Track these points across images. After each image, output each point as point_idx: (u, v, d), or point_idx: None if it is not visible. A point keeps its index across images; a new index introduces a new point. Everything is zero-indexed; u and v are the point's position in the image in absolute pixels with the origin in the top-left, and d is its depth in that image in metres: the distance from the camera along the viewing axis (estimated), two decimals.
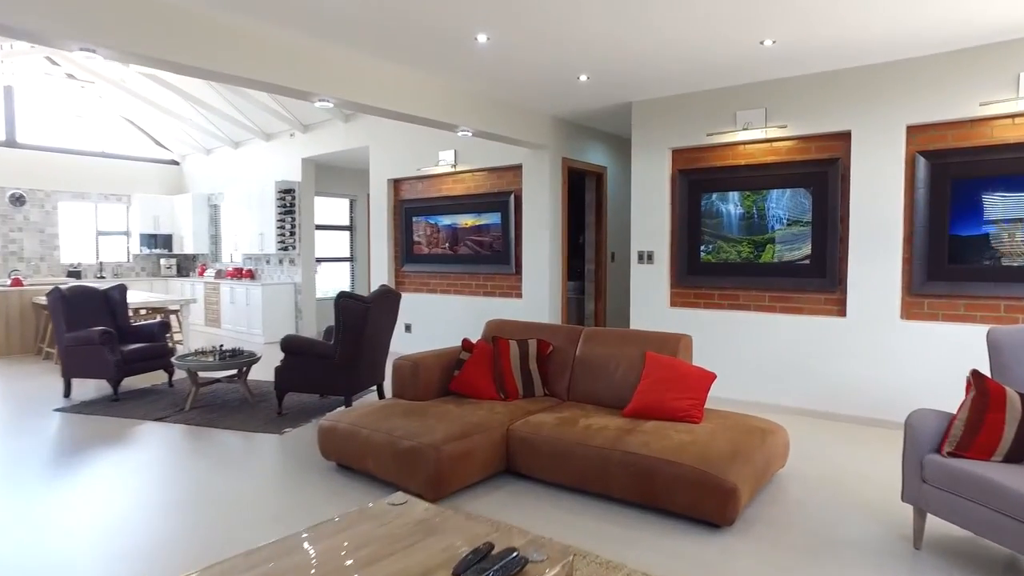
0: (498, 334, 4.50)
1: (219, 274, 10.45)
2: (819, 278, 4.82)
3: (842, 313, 4.74)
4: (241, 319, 9.32)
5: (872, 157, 4.51)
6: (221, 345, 5.57)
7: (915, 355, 4.42)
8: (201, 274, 10.82)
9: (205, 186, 11.03)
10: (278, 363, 4.97)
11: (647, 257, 5.63)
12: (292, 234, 9.09)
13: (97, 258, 10.70)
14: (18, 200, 9.83)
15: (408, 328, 7.63)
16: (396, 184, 7.87)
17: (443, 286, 7.41)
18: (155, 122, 10.57)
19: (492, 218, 6.83)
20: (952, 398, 4.29)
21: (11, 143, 9.85)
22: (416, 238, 7.62)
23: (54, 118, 10.23)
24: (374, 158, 7.91)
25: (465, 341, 4.33)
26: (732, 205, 5.18)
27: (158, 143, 11.38)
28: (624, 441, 3.16)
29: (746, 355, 5.13)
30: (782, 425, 4.17)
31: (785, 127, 4.84)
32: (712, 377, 3.56)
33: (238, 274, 9.96)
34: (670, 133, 5.43)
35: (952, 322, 4.32)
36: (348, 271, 10.85)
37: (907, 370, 4.45)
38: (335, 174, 10.14)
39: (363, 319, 4.81)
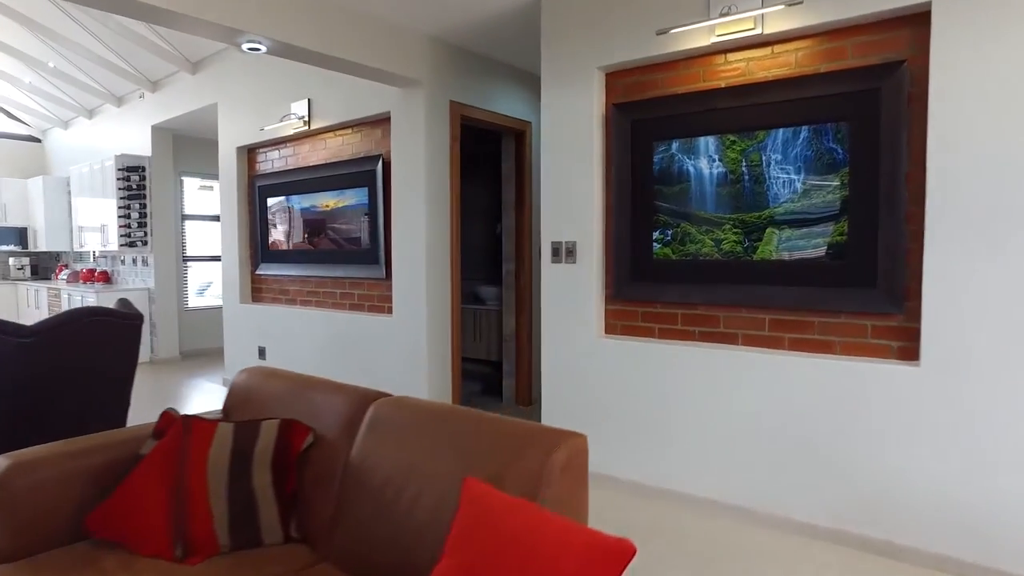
0: (237, 402, 2.31)
1: (73, 277, 8.24)
2: (864, 288, 2.60)
3: (910, 355, 2.52)
4: None
5: (973, 54, 2.30)
6: None
7: None
8: (57, 276, 8.63)
9: (64, 167, 8.83)
10: None
11: (565, 252, 3.43)
12: (141, 225, 6.88)
13: None
14: None
15: (262, 353, 5.42)
16: (249, 154, 5.66)
17: (303, 295, 5.19)
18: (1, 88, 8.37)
19: (358, 196, 4.62)
20: None
21: None
22: (272, 228, 5.42)
23: None
24: (223, 119, 5.71)
25: (165, 416, 2.13)
26: (706, 160, 2.97)
27: (9, 115, 9.18)
28: None
29: (730, 425, 2.91)
30: None
31: (800, 3, 2.62)
32: (623, 561, 1.35)
33: (90, 277, 7.76)
34: (600, 42, 3.21)
35: None
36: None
37: None
38: (207, 149, 7.90)
39: (18, 365, 2.60)
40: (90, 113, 8.00)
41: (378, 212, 4.43)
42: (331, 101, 4.63)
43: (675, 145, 3.05)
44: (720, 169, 2.93)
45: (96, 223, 7.27)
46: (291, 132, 4.94)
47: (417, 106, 4.06)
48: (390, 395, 2.00)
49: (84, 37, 6.11)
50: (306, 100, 4.79)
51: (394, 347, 4.31)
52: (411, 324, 4.19)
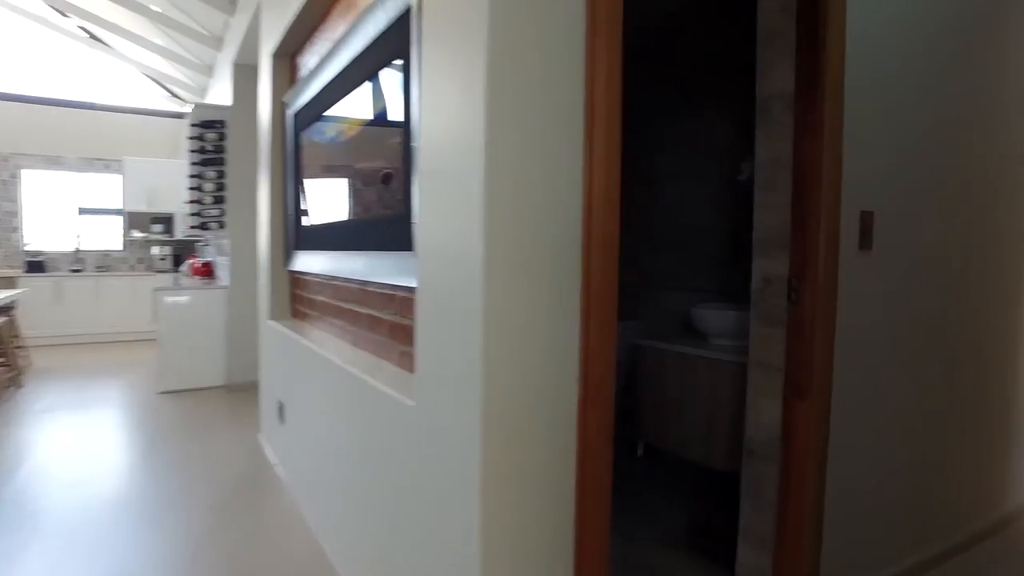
0: None
1: (189, 270, 6.91)
2: None
3: None
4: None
5: None
6: None
7: None
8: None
9: None
10: None
11: None
12: (217, 200, 5.06)
13: (77, 245, 7.89)
14: None
15: (281, 414, 3.04)
16: (290, 65, 3.34)
17: (330, 313, 2.69)
18: (158, 64, 7.40)
19: (381, 95, 1.95)
20: None
21: None
22: (306, 187, 3.01)
23: (18, 59, 7.59)
24: (264, 18, 3.47)
25: None
26: None
27: (171, 92, 8.33)
28: None
29: None
30: None
31: None
32: None
33: (196, 270, 6.30)
34: None
35: None
36: None
37: None
38: None
39: None
40: (209, 70, 6.55)
41: (412, 125, 1.70)
42: None
43: None
44: None
45: (176, 202, 5.70)
46: None
47: None
48: None
49: None
50: None
51: (415, 487, 1.55)
52: (444, 429, 1.39)
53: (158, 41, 6.57)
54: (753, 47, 1.90)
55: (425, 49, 1.50)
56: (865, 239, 1.85)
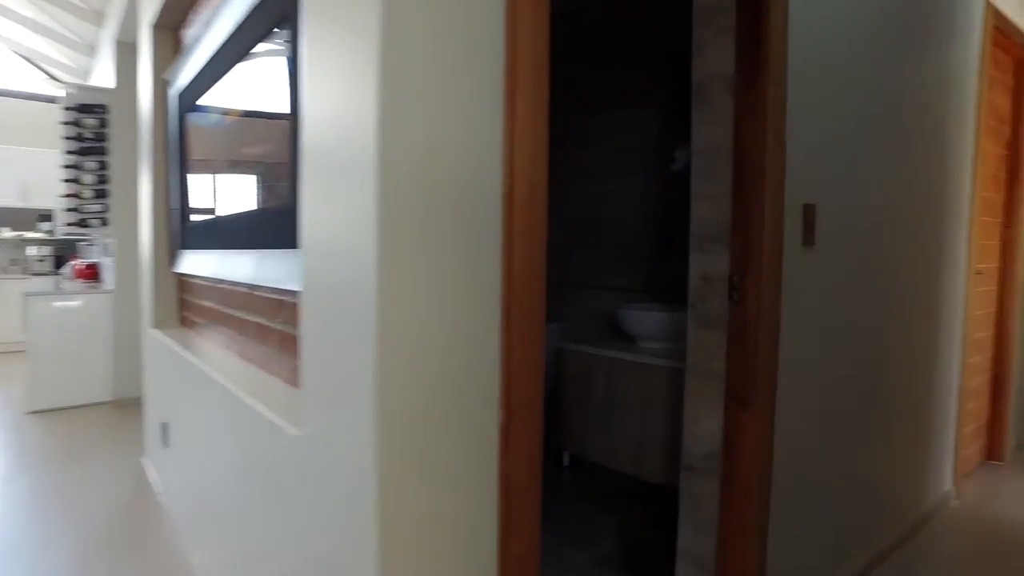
0: None
1: (73, 273, 6.21)
2: None
3: None
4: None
5: None
6: None
7: None
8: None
9: None
10: None
11: None
12: (99, 194, 4.51)
13: None
14: None
15: (165, 436, 2.66)
16: (174, 39, 2.94)
17: (218, 321, 2.35)
18: (30, 40, 6.58)
19: (271, 68, 1.66)
20: None
21: None
22: (191, 178, 2.65)
23: None
24: None
25: None
26: None
27: (48, 74, 7.49)
28: None
29: None
30: None
31: None
32: None
33: (80, 272, 5.65)
34: None
35: None
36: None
37: None
38: None
39: None
40: (91, 49, 5.90)
41: (300, 104, 1.42)
42: None
43: None
44: None
45: (58, 199, 5.09)
46: None
47: None
48: None
49: None
50: None
51: (307, 532, 1.27)
52: (334, 462, 1.13)
53: (27, 13, 5.84)
54: (684, 30, 1.74)
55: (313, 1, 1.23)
56: (808, 234, 1.72)
